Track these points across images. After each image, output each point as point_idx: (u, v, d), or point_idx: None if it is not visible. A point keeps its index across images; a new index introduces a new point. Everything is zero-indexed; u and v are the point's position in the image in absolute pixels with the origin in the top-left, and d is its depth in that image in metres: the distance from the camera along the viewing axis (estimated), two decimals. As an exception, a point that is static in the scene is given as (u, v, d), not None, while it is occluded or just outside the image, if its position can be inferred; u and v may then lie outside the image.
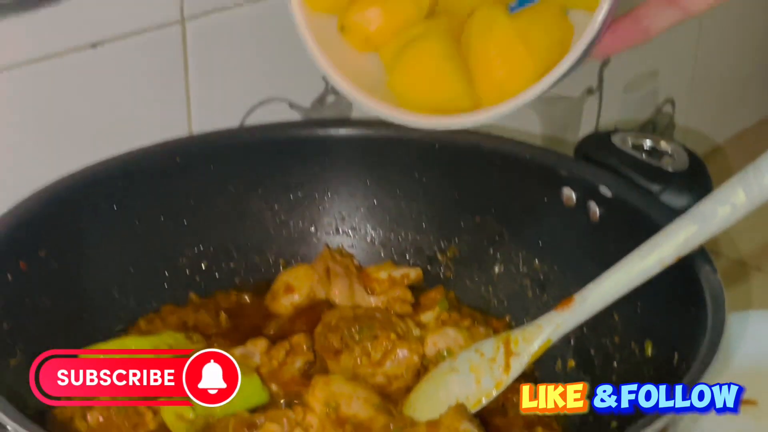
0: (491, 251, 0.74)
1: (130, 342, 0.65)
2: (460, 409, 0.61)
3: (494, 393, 0.64)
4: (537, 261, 0.73)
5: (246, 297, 0.73)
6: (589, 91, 1.06)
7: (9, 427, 0.48)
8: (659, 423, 0.49)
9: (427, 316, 0.71)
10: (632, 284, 0.61)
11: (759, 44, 1.27)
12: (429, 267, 0.76)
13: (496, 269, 0.74)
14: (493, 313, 0.74)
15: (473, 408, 0.63)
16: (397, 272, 0.74)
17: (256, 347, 0.66)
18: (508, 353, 0.64)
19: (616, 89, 1.09)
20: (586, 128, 1.07)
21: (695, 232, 0.58)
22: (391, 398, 0.65)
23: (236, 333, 0.68)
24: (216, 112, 0.75)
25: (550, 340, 0.63)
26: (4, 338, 0.60)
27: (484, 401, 0.64)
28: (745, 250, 1.03)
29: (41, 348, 0.62)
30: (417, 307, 0.73)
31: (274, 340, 0.68)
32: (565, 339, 0.68)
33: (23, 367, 0.60)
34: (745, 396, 0.82)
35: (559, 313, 0.63)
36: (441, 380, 0.65)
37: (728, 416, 0.80)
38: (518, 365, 0.64)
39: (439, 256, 0.76)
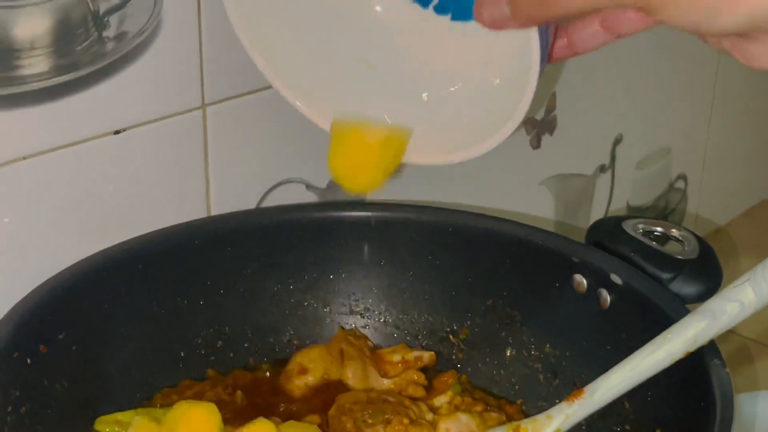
0: (503, 334, 0.75)
1: (145, 412, 0.66)
2: None
3: None
4: (548, 346, 0.73)
5: (262, 375, 0.74)
6: (602, 169, 1.07)
7: None
8: None
9: (440, 400, 0.72)
10: (642, 377, 0.61)
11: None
12: (441, 348, 0.77)
13: (508, 353, 0.75)
14: (505, 396, 0.74)
15: None
16: (411, 355, 0.75)
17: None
18: None
19: (629, 166, 1.10)
20: (599, 203, 1.09)
21: (704, 328, 0.59)
22: (404, 484, 0.65)
23: (251, 411, 0.68)
24: (234, 193, 0.77)
25: (560, 430, 0.64)
26: (23, 421, 0.60)
27: None
28: (756, 330, 1.04)
29: (60, 427, 0.63)
30: (430, 389, 0.73)
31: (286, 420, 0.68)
32: (577, 426, 0.69)
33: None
34: (758, 479, 0.83)
35: (569, 405, 0.64)
36: None
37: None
38: None
39: (452, 338, 0.77)
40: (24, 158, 0.64)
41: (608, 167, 1.08)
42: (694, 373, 0.60)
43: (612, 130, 1.06)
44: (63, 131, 0.66)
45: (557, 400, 0.71)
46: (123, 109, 0.68)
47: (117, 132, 0.68)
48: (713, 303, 0.59)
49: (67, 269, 0.66)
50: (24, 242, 0.67)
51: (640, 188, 1.13)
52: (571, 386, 0.71)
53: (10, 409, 0.59)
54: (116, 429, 0.66)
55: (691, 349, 0.60)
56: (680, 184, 1.19)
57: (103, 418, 0.66)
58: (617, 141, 1.07)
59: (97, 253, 0.68)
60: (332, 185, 0.82)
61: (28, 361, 0.61)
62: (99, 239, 0.68)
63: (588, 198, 1.07)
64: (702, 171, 1.22)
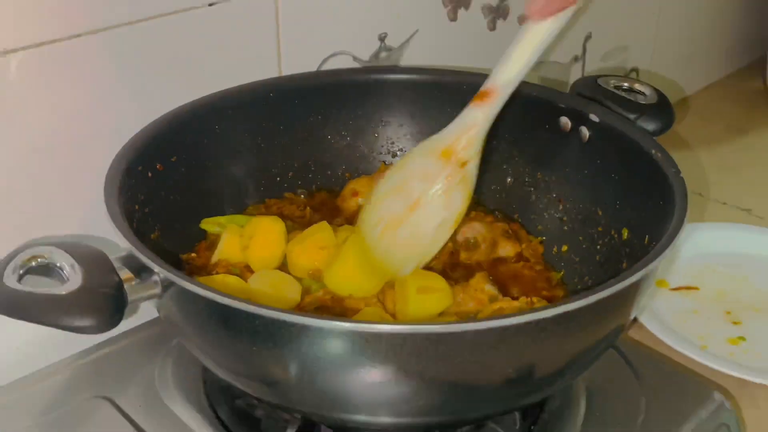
0: (504, 167, 0.73)
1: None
2: (483, 275, 0.61)
3: (466, 204, 0.58)
4: (539, 173, 0.71)
5: (325, 197, 0.73)
6: (576, 59, 1.04)
7: (156, 270, 0.48)
8: (639, 275, 0.49)
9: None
10: (530, 63, 0.57)
11: (710, 21, 1.24)
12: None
13: (508, 180, 0.73)
14: (508, 213, 0.73)
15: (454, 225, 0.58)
16: None
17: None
18: (459, 164, 0.58)
19: (596, 58, 1.07)
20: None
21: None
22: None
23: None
24: (299, 61, 0.74)
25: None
26: (147, 219, 0.60)
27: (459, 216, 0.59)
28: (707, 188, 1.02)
29: (173, 227, 0.63)
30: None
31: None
32: (559, 230, 0.68)
33: (160, 240, 0.61)
34: (690, 284, 0.83)
35: (479, 107, 0.57)
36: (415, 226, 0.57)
37: (677, 296, 0.80)
38: (473, 168, 0.58)
39: (465, 171, 0.75)
40: (130, 23, 0.62)
41: (580, 58, 1.04)
42: (655, 180, 0.59)
43: (585, 29, 1.03)
44: (167, 2, 0.63)
45: (545, 215, 0.70)
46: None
47: (210, 4, 0.66)
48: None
49: (176, 109, 0.64)
50: (140, 89, 0.65)
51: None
52: (556, 202, 0.70)
53: (137, 207, 0.58)
54: (216, 228, 0.65)
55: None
56: (634, 75, 1.16)
57: (208, 219, 0.65)
58: (588, 37, 1.03)
59: (199, 99, 0.66)
60: (372, 58, 0.80)
61: (150, 174, 0.61)
62: (198, 90, 0.66)
63: (565, 81, 1.04)
64: (649, 65, 1.18)
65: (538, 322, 0.45)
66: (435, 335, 0.44)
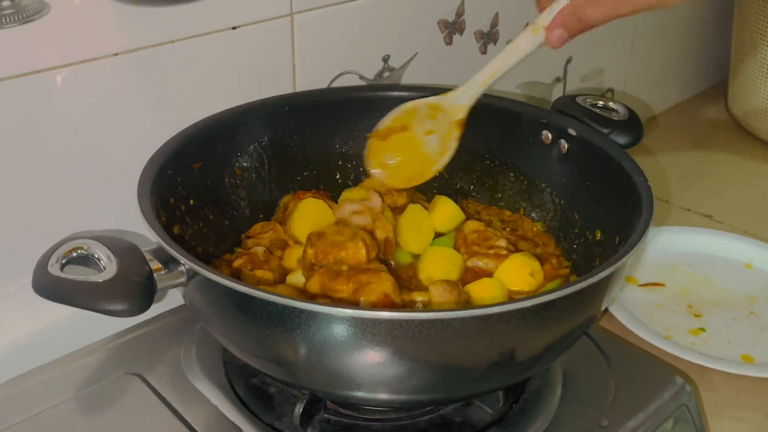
0: (494, 173, 0.73)
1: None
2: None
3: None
4: (525, 180, 0.71)
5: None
6: (557, 80, 1.04)
7: (182, 262, 0.48)
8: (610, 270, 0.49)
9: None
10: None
11: (678, 48, 1.24)
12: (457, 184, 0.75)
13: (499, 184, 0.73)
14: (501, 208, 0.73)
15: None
16: None
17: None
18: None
19: (575, 79, 1.07)
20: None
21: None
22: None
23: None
24: (311, 79, 0.74)
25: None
26: (173, 213, 0.60)
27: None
28: (672, 196, 1.02)
29: (197, 223, 0.63)
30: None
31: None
32: (544, 217, 0.68)
33: (186, 235, 0.61)
34: (656, 280, 0.82)
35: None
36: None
37: (645, 291, 0.80)
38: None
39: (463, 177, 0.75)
40: (163, 43, 0.62)
41: (561, 79, 1.04)
42: (625, 187, 0.59)
43: (566, 53, 1.03)
44: (199, 24, 0.64)
45: (533, 215, 0.70)
46: (237, 11, 0.66)
47: (234, 28, 0.66)
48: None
49: (202, 120, 0.64)
50: (169, 102, 0.65)
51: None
52: (540, 205, 0.70)
53: (166, 206, 0.58)
54: None
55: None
56: (609, 95, 1.16)
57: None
58: (569, 60, 1.03)
59: (222, 111, 0.66)
60: (377, 76, 0.80)
61: (178, 177, 0.61)
62: (221, 103, 0.67)
63: (547, 99, 1.04)
64: (624, 86, 1.18)
65: (518, 311, 0.45)
66: (427, 322, 0.44)
